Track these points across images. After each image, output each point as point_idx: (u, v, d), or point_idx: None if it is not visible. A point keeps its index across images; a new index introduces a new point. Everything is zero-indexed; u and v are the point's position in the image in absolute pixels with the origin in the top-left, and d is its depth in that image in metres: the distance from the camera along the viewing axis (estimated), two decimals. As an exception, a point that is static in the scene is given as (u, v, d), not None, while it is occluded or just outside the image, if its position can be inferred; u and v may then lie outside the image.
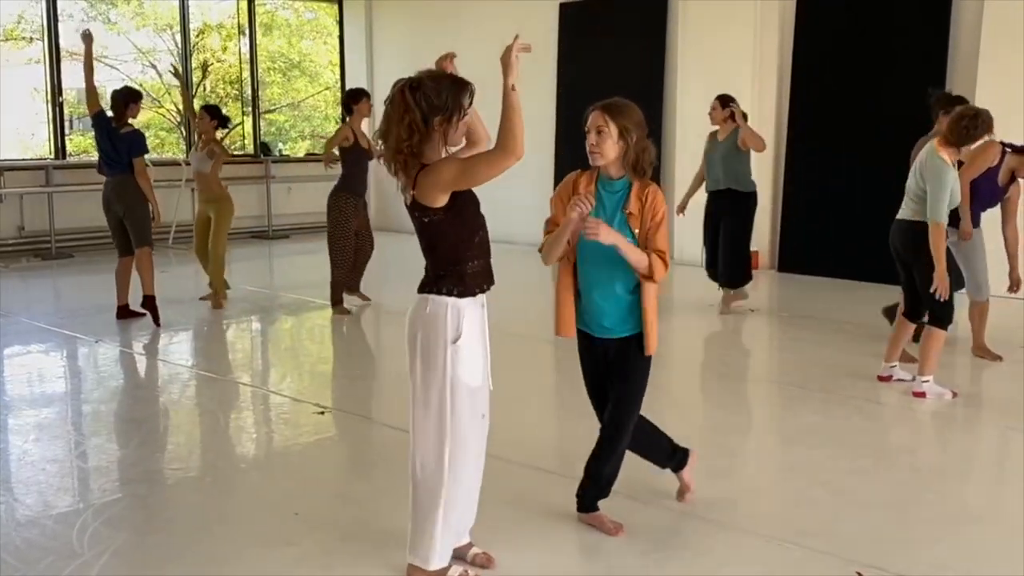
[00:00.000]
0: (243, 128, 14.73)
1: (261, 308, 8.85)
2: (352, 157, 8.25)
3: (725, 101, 8.25)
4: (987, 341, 6.79)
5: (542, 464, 4.63)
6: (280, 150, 16.12)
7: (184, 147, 14.30)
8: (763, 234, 10.95)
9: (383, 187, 14.89)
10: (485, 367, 3.46)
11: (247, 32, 14.68)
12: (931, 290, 5.66)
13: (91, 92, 7.89)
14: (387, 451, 5.04)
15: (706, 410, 5.77)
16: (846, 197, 10.04)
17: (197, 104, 10.54)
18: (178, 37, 14.51)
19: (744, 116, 8.20)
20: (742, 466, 4.77)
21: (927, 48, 9.57)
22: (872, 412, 5.78)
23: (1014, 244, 6.76)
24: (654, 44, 11.49)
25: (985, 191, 6.48)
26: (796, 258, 10.51)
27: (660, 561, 3.73)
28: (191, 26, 14.32)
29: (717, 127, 8.33)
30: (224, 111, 9.32)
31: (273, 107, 17.10)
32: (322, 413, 5.64)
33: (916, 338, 6.67)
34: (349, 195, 8.38)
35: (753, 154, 8.24)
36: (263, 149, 14.54)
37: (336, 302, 8.33)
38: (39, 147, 13.68)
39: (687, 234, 9.67)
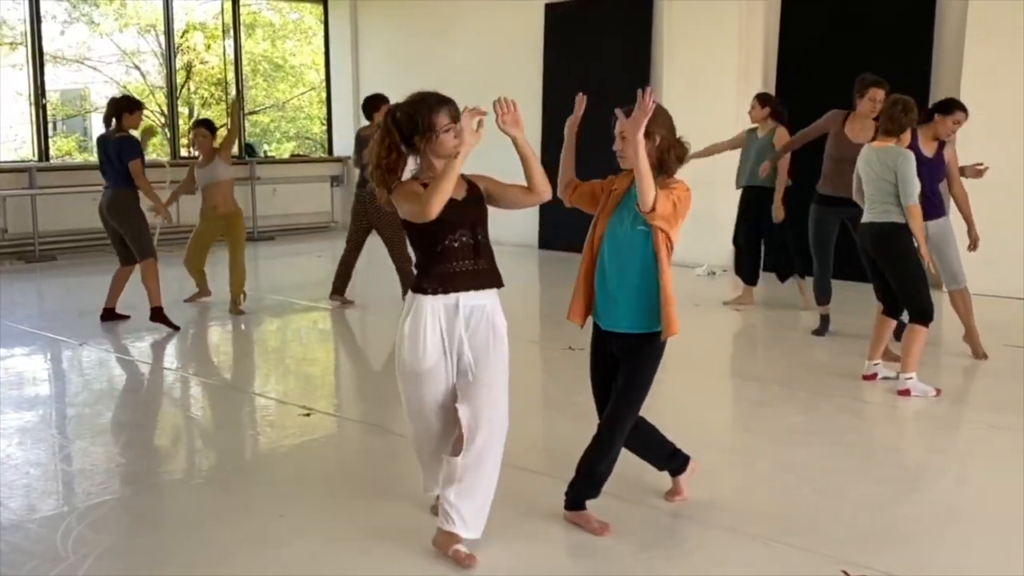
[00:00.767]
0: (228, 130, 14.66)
1: (246, 310, 8.82)
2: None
3: (764, 100, 8.48)
4: (976, 335, 6.82)
5: (528, 464, 4.63)
6: (265, 151, 16.09)
7: (168, 149, 14.25)
8: (749, 233, 11.00)
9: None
10: (441, 360, 3.65)
11: (231, 33, 14.64)
12: (908, 289, 5.80)
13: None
14: (371, 452, 5.03)
15: (692, 409, 5.77)
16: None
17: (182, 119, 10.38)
18: (162, 38, 14.46)
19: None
20: (728, 465, 4.77)
21: (912, 46, 9.61)
22: (857, 411, 5.80)
23: (965, 203, 6.77)
24: (640, 44, 11.51)
25: (923, 173, 6.41)
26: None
27: (647, 561, 3.73)
28: (175, 27, 14.27)
29: (756, 124, 8.52)
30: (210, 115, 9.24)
31: (258, 108, 17.08)
32: (308, 415, 5.62)
33: (899, 336, 6.72)
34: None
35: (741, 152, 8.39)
36: (248, 150, 14.51)
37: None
38: (22, 149, 13.64)
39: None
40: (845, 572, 3.57)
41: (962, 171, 6.78)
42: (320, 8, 15.45)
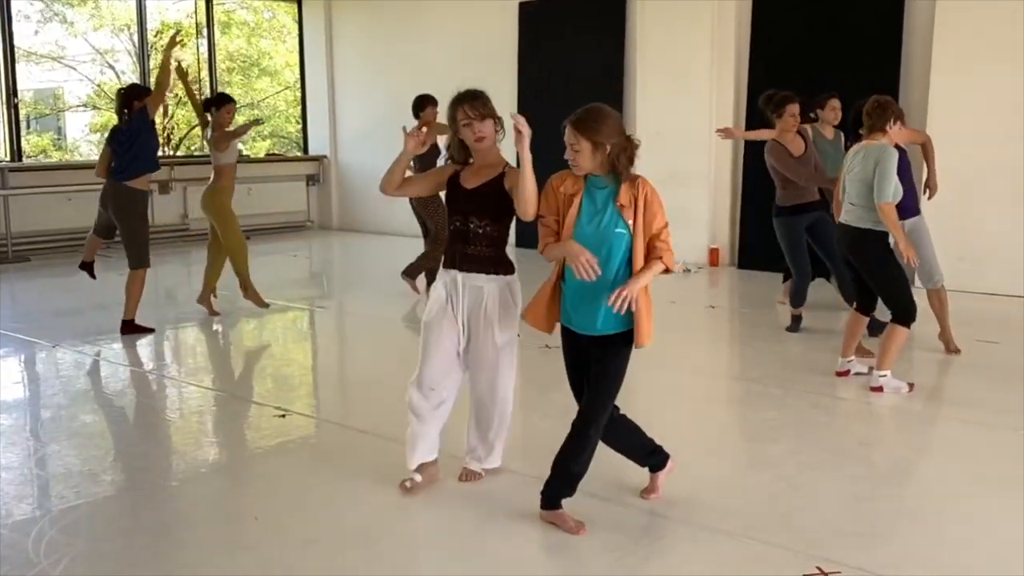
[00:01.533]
0: (202, 128, 14.58)
1: (221, 311, 8.77)
2: (422, 164, 8.05)
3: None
4: (950, 331, 6.87)
5: (504, 463, 4.63)
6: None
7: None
8: (722, 231, 11.05)
9: (347, 187, 14.85)
10: (443, 318, 4.27)
11: (205, 32, 14.56)
12: (889, 292, 5.85)
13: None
14: (347, 453, 5.02)
15: (667, 406, 5.79)
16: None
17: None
18: (136, 38, 14.36)
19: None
20: (703, 462, 4.79)
21: (881, 46, 9.68)
22: (830, 407, 5.84)
23: (931, 152, 7.07)
24: (613, 42, 11.53)
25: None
26: (756, 255, 10.57)
27: (623, 559, 3.74)
28: (148, 26, 14.17)
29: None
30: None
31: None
32: (283, 416, 5.61)
33: (873, 332, 6.77)
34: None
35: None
36: (223, 149, 14.41)
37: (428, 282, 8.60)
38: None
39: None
40: (819, 568, 3.60)
41: None
42: (294, 7, 15.39)
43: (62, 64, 15.69)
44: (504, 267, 4.25)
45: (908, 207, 6.36)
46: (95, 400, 6.22)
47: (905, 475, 4.80)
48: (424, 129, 4.43)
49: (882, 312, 6.19)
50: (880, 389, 5.89)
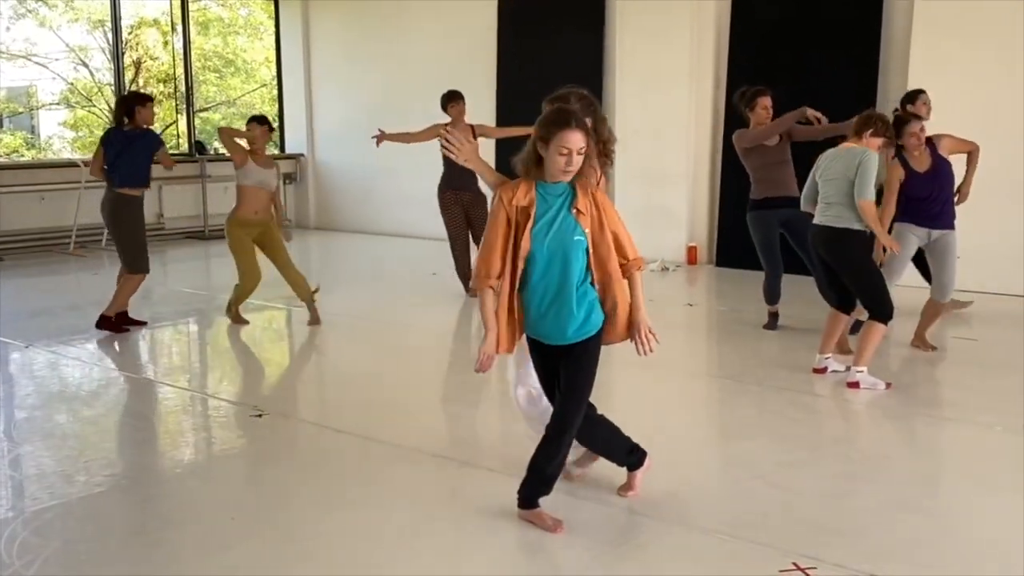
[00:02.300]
0: (177, 127, 14.52)
1: (197, 310, 8.74)
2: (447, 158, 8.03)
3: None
4: (925, 333, 6.90)
5: (481, 463, 4.63)
6: (215, 149, 15.92)
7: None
8: (700, 229, 11.07)
9: (324, 186, 14.79)
10: None
11: (180, 29, 14.48)
12: (867, 292, 5.93)
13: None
14: (324, 454, 5.00)
15: (644, 404, 5.79)
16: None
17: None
18: (110, 35, 14.27)
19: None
20: (680, 460, 4.79)
21: (860, 43, 9.72)
22: (807, 404, 5.86)
23: (974, 161, 7.09)
24: (592, 41, 11.53)
25: (914, 186, 6.50)
26: (733, 253, 10.59)
27: (600, 557, 3.74)
28: (123, 23, 14.07)
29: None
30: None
31: (209, 105, 16.90)
32: (259, 416, 5.58)
33: (854, 330, 6.80)
34: (447, 190, 8.91)
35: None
36: (198, 148, 14.35)
37: (468, 288, 8.76)
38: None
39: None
40: (796, 565, 3.60)
41: None
42: (271, 5, 15.32)
43: (33, 61, 15.59)
44: None
45: (945, 218, 6.46)
46: (69, 401, 6.16)
47: (882, 471, 4.82)
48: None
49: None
50: (856, 385, 5.91)
